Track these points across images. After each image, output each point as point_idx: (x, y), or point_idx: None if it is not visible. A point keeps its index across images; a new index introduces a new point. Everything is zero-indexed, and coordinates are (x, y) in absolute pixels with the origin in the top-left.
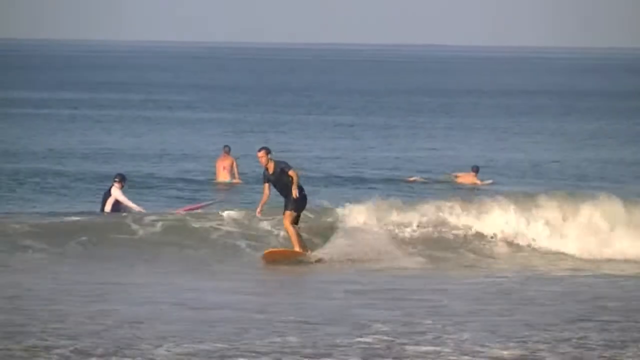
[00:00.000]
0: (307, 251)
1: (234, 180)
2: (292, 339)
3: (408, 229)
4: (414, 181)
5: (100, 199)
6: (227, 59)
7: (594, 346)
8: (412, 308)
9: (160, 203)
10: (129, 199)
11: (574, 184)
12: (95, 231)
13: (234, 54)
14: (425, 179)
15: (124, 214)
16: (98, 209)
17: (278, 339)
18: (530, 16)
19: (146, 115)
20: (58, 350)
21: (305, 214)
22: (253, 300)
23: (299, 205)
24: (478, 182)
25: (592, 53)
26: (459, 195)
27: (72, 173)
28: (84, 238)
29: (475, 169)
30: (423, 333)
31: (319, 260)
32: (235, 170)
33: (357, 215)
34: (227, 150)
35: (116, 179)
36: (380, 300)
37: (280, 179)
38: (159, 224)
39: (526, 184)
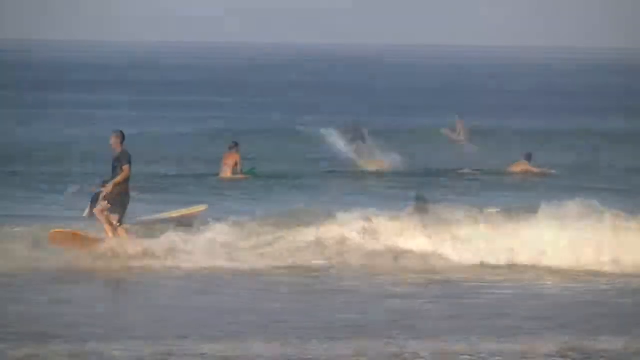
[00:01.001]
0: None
1: (234, 176)
2: None
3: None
4: (465, 173)
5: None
6: (226, 59)
7: None
8: None
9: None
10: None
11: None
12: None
13: (234, 54)
14: (476, 170)
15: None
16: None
17: None
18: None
19: (142, 115)
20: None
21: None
22: None
23: (115, 200)
24: (531, 169)
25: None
26: (510, 183)
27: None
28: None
29: (527, 156)
30: None
31: (111, 250)
32: (239, 167)
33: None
34: (232, 146)
35: None
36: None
37: (115, 168)
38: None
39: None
